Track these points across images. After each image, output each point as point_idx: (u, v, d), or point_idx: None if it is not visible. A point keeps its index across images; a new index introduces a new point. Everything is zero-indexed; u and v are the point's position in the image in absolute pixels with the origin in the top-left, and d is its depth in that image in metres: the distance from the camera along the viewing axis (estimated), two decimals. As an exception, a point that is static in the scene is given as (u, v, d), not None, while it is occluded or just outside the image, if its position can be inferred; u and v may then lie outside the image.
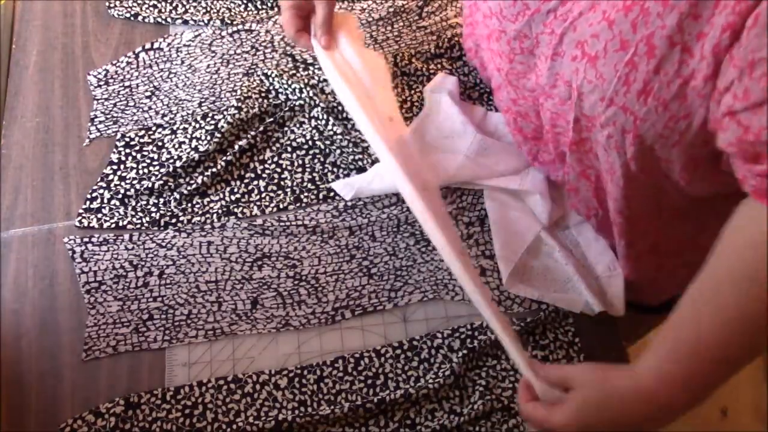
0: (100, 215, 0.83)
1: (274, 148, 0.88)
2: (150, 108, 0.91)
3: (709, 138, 0.55)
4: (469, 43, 0.87)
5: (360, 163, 0.85)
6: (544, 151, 0.76)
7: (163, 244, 0.81)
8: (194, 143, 0.87)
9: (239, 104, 0.88)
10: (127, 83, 0.93)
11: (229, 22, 0.99)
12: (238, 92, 0.91)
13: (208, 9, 1.00)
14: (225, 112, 0.89)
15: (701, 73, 0.51)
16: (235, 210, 0.83)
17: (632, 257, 0.76)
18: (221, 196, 0.84)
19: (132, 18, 0.99)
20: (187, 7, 1.01)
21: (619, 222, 0.72)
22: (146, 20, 0.99)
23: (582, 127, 0.64)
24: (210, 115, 0.90)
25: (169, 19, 0.99)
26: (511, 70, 0.70)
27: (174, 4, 1.01)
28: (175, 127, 0.89)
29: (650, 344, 0.58)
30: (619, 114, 0.58)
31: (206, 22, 0.98)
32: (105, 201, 0.84)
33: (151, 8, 1.00)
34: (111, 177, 0.86)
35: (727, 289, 0.52)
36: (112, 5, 1.00)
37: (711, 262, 0.54)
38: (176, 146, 0.87)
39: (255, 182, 0.85)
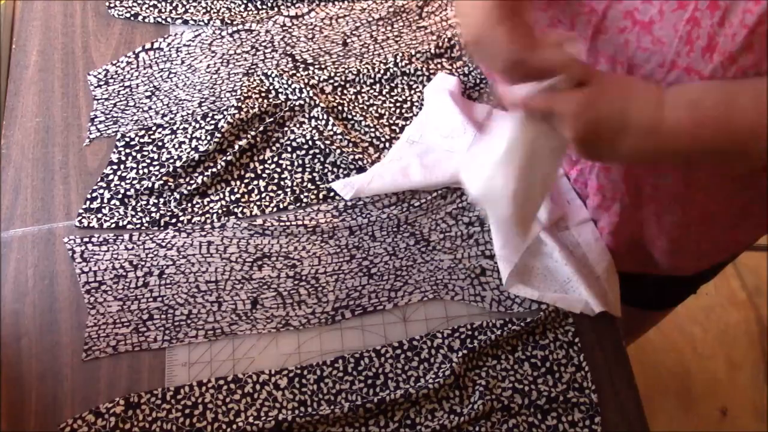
0: (100, 215, 0.83)
1: (274, 148, 0.88)
2: (150, 108, 0.91)
3: None
4: None
5: (360, 163, 0.85)
6: None
7: (163, 244, 0.81)
8: (194, 143, 0.87)
9: (239, 104, 0.88)
10: (127, 83, 0.94)
11: (229, 22, 0.99)
12: (238, 92, 0.91)
13: (208, 9, 1.00)
14: (225, 112, 0.89)
15: None
16: (235, 210, 0.83)
17: (684, 226, 0.76)
18: (221, 196, 0.84)
19: (132, 18, 0.99)
20: (187, 7, 1.01)
21: (682, 193, 0.70)
22: (146, 20, 0.99)
23: None
24: (210, 115, 0.90)
25: (169, 19, 0.99)
26: None
27: (174, 4, 1.01)
28: (175, 127, 0.89)
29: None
30: (683, 77, 0.56)
31: (206, 22, 0.98)
32: (105, 201, 0.84)
33: (151, 8, 1.00)
34: (111, 177, 0.86)
35: None
36: (112, 5, 1.00)
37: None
38: (176, 146, 0.87)
39: (255, 182, 0.86)
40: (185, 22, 0.99)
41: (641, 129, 0.55)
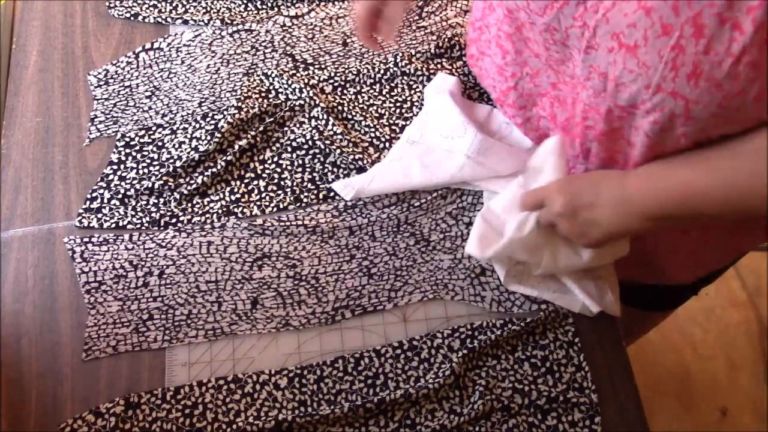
0: (100, 215, 0.83)
1: (274, 148, 0.88)
2: (150, 108, 0.91)
3: (762, 108, 0.55)
4: (473, 50, 0.86)
5: (360, 163, 0.85)
6: (569, 145, 0.76)
7: (163, 244, 0.81)
8: (194, 143, 0.87)
9: (239, 104, 0.88)
10: (127, 83, 0.94)
11: (229, 22, 0.99)
12: (238, 92, 0.91)
13: (208, 9, 1.00)
14: (225, 112, 0.89)
15: (755, 47, 0.51)
16: (235, 210, 0.83)
17: (670, 233, 0.77)
18: (221, 196, 0.84)
19: (132, 18, 0.99)
20: (187, 7, 1.01)
21: None
22: (146, 20, 0.99)
23: (614, 117, 0.64)
24: (210, 115, 0.90)
25: (169, 19, 0.99)
26: (549, 56, 0.70)
27: (174, 4, 1.01)
28: (175, 127, 0.89)
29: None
30: (668, 100, 0.57)
31: (206, 22, 0.98)
32: (105, 201, 0.84)
33: (151, 8, 1.00)
34: (111, 177, 0.86)
35: (744, 172, 0.58)
36: (112, 5, 1.00)
37: (741, 146, 0.59)
38: (176, 146, 0.87)
39: (255, 182, 0.86)
40: (185, 22, 0.99)
41: (614, 198, 0.65)
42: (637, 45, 0.56)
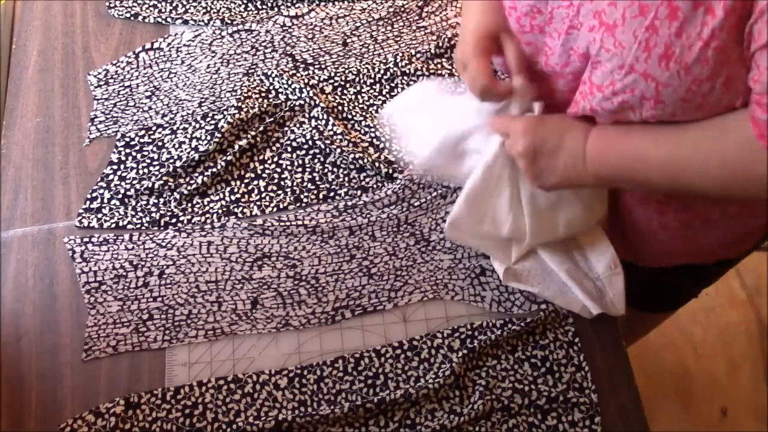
0: (100, 215, 0.83)
1: (274, 148, 0.88)
2: (150, 108, 0.91)
3: (732, 97, 0.56)
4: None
5: (360, 162, 0.85)
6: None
7: (163, 244, 0.81)
8: (194, 143, 0.87)
9: (239, 104, 0.88)
10: (127, 83, 0.94)
11: (229, 22, 0.99)
12: (238, 92, 0.91)
13: (208, 9, 1.00)
14: (225, 112, 0.89)
15: (724, 32, 0.52)
16: (235, 210, 0.83)
17: (640, 212, 0.78)
18: (221, 196, 0.84)
19: (132, 18, 0.99)
20: (187, 7, 1.01)
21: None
22: (146, 20, 0.99)
23: (578, 99, 0.65)
24: (210, 115, 0.90)
25: (169, 19, 0.99)
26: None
27: (174, 4, 1.01)
28: (175, 127, 0.89)
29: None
30: (639, 81, 0.58)
31: (206, 22, 0.98)
32: (105, 201, 0.84)
33: (151, 8, 1.00)
34: (111, 177, 0.86)
35: (686, 147, 0.60)
36: (112, 5, 1.00)
37: (699, 128, 0.59)
38: (176, 146, 0.87)
39: (255, 182, 0.86)
40: (185, 22, 0.99)
41: (572, 150, 0.66)
42: (615, 24, 0.57)
